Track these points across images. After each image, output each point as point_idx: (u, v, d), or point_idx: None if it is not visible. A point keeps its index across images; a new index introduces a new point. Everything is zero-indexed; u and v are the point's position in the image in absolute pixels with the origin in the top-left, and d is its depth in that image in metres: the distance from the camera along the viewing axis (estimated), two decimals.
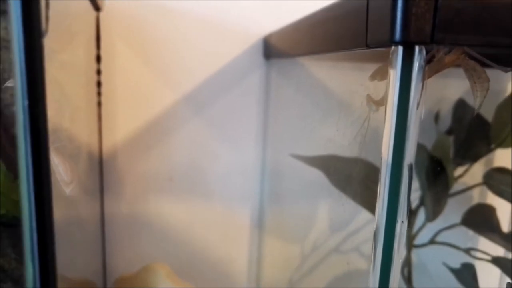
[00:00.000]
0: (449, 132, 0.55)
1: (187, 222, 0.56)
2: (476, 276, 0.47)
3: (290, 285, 0.60)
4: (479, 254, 0.51)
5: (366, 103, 0.27)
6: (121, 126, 0.52)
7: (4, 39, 0.39)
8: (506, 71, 0.25)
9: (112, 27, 0.48)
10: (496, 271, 0.56)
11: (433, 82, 0.61)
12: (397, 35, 0.19)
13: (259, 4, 0.52)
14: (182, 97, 0.53)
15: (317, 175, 0.57)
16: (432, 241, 0.53)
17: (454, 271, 0.52)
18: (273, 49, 0.49)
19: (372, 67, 0.37)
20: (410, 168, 0.21)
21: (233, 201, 0.57)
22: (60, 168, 0.26)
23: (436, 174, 0.52)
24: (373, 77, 0.26)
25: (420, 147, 0.53)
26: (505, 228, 0.55)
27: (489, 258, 0.49)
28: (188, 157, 0.54)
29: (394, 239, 0.22)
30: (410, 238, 0.52)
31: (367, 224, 0.61)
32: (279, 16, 0.52)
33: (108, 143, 0.51)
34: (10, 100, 0.40)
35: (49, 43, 0.16)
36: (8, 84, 0.30)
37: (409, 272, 0.51)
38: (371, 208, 0.49)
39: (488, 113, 0.53)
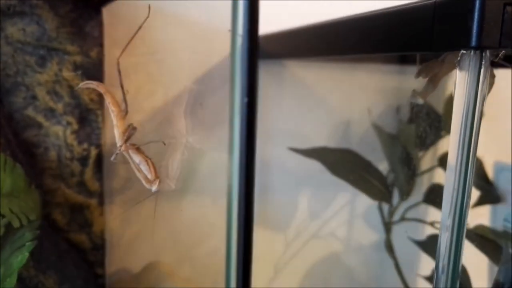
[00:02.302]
0: (409, 121, 0.63)
1: (178, 220, 0.57)
2: None
3: (275, 273, 0.64)
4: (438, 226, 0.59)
5: (411, 97, 0.31)
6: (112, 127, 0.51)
7: (19, 40, 0.38)
8: None
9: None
10: None
11: (394, 79, 0.69)
12: (473, 40, 0.23)
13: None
14: (171, 98, 0.54)
15: (300, 167, 0.61)
16: (402, 218, 0.60)
17: (420, 243, 0.59)
18: (265, 51, 0.53)
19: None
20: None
21: (222, 197, 0.59)
22: (142, 166, 0.27)
23: (404, 158, 0.59)
24: (418, 74, 0.30)
25: (388, 135, 0.60)
26: None
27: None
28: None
29: (463, 224, 0.26)
30: (390, 216, 0.59)
31: (341, 210, 0.67)
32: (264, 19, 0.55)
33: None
34: (23, 103, 0.39)
35: None
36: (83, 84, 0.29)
37: (391, 246, 0.58)
38: (365, 191, 0.55)
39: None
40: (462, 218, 0.26)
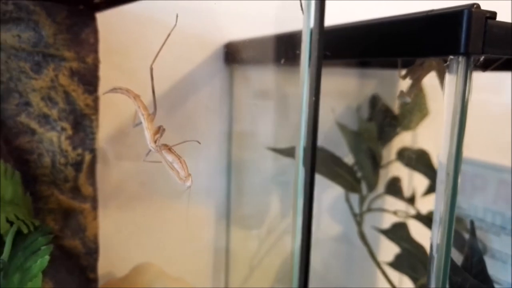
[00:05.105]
0: (369, 120, 0.68)
1: (159, 223, 0.58)
2: (409, 231, 0.60)
3: (250, 270, 0.66)
4: (401, 214, 0.65)
5: (398, 96, 0.35)
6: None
7: (13, 47, 0.37)
8: (483, 71, 0.36)
9: None
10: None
11: (354, 82, 0.74)
12: (462, 47, 0.28)
13: (219, 13, 0.57)
14: (149, 102, 0.55)
15: (271, 166, 0.64)
16: (369, 209, 0.65)
17: (385, 232, 0.64)
18: (239, 56, 0.55)
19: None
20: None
21: (201, 199, 0.60)
22: (176, 164, 0.29)
23: (368, 153, 0.64)
24: (404, 76, 0.34)
25: (351, 132, 0.65)
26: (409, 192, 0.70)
27: (404, 215, 0.63)
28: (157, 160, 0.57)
29: (453, 211, 0.30)
30: (361, 206, 0.64)
31: None
32: (237, 26, 0.58)
33: None
34: (15, 110, 0.39)
35: None
36: None
37: (363, 235, 0.63)
38: (339, 183, 0.59)
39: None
40: (454, 207, 0.31)
